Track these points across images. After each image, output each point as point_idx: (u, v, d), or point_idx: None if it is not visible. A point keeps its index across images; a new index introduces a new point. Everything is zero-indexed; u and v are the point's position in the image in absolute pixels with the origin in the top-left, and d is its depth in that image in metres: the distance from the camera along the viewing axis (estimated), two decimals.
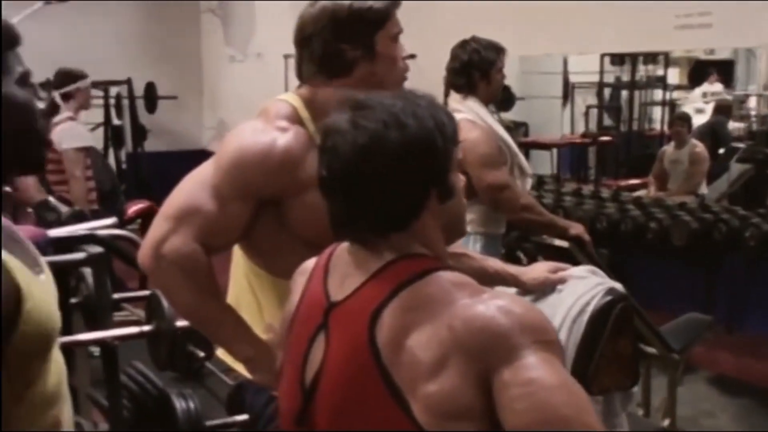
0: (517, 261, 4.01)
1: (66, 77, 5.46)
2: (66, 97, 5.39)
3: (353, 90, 1.92)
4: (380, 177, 1.35)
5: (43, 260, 1.53)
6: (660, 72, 8.41)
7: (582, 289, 2.23)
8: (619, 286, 2.28)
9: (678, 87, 9.02)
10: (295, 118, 2.02)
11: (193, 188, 1.96)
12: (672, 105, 8.70)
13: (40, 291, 1.34)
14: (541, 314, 1.33)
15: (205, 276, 1.93)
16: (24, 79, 1.39)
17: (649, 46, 6.34)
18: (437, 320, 1.28)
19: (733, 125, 8.24)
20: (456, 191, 1.44)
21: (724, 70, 8.69)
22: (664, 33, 5.50)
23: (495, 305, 1.28)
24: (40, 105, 1.42)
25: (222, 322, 1.98)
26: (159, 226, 1.93)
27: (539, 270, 2.28)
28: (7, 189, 3.50)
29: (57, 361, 1.44)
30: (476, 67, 3.75)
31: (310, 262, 1.58)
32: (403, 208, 1.38)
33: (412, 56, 4.31)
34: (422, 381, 1.26)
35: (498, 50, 3.80)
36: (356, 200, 1.38)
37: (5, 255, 1.28)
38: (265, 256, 2.07)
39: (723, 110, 8.40)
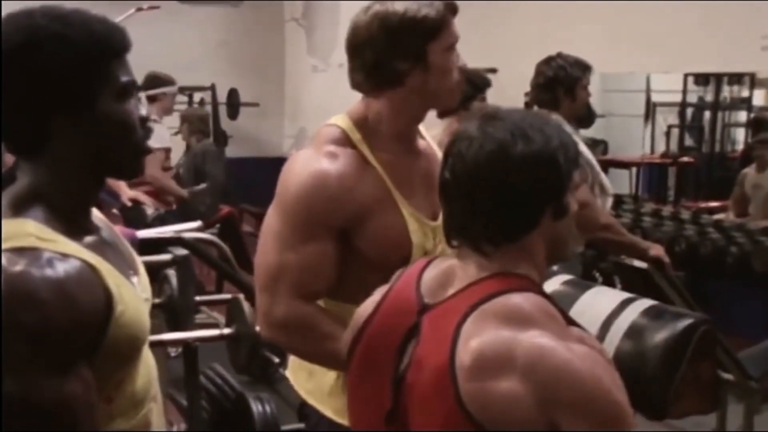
0: (592, 280, 3.98)
1: (155, 80, 5.65)
2: (151, 99, 5.57)
3: (406, 101, 1.94)
4: (501, 185, 1.39)
5: (139, 261, 1.57)
6: (745, 93, 8.26)
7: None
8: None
9: (763, 108, 8.83)
10: (345, 141, 1.96)
11: (269, 248, 1.94)
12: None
13: (131, 295, 1.36)
14: (597, 386, 1.30)
15: (318, 324, 1.92)
16: (126, 90, 1.38)
17: (734, 66, 6.24)
18: (500, 332, 1.32)
19: None
20: (569, 212, 1.47)
21: None
22: (750, 54, 5.43)
23: (559, 345, 1.30)
24: (142, 112, 1.42)
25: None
26: (260, 300, 1.95)
27: None
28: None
29: (146, 363, 1.47)
30: (561, 84, 3.76)
31: (385, 287, 1.59)
32: (519, 219, 1.42)
33: (493, 70, 4.33)
34: (463, 380, 1.31)
35: (584, 67, 3.82)
36: (475, 206, 1.42)
37: (97, 260, 1.30)
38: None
39: None
